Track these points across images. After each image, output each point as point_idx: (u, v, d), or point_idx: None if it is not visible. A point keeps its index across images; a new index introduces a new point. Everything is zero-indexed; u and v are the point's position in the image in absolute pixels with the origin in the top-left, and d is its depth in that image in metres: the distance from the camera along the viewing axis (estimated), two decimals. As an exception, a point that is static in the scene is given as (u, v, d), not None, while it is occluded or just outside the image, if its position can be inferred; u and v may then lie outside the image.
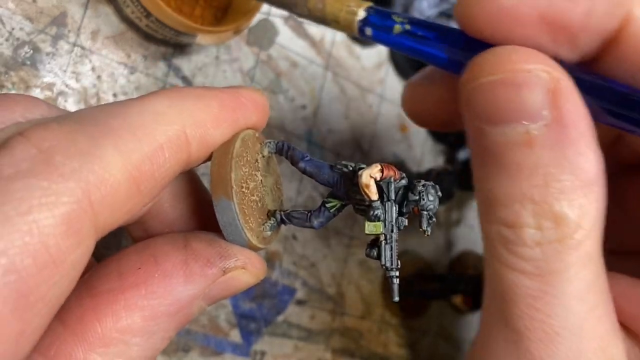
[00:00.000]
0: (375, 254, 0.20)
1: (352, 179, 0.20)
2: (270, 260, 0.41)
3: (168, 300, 0.19)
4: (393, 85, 0.49)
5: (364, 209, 0.20)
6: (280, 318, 0.41)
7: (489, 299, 0.23)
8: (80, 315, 0.18)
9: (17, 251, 0.14)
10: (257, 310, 0.39)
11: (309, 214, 0.22)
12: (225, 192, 0.19)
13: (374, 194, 0.19)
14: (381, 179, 0.19)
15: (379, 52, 0.48)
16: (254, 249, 0.21)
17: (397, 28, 0.24)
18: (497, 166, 0.22)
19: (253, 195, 0.21)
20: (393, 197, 0.20)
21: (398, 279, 0.20)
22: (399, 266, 0.20)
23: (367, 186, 0.19)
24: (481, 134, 0.22)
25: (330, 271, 0.44)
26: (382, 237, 0.20)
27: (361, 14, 0.25)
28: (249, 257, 0.21)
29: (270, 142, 0.23)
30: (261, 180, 0.22)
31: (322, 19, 0.26)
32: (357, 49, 0.46)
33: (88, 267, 0.20)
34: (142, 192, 0.17)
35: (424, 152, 0.52)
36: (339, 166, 0.21)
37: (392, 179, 0.20)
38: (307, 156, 0.22)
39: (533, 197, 0.20)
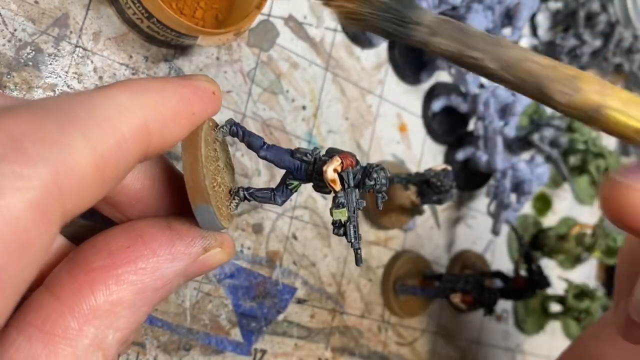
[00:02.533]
0: (342, 232, 0.23)
1: (313, 166, 0.23)
2: (271, 259, 0.41)
3: (155, 276, 0.20)
4: (392, 86, 0.49)
5: (323, 188, 0.23)
6: (280, 317, 0.41)
7: None
8: (76, 289, 0.19)
9: None
10: (257, 309, 0.40)
11: (273, 194, 0.24)
12: (202, 199, 0.21)
13: (338, 186, 0.22)
14: (342, 169, 0.22)
15: (379, 53, 0.48)
16: (225, 229, 0.24)
17: None
18: None
19: (220, 187, 0.23)
20: (352, 184, 0.22)
21: (361, 250, 0.23)
22: (360, 239, 0.23)
23: (333, 181, 0.22)
24: None
25: (330, 270, 0.44)
26: (347, 220, 0.22)
27: None
28: (223, 237, 0.24)
29: (224, 128, 0.24)
30: (222, 167, 0.24)
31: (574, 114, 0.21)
32: (357, 50, 0.46)
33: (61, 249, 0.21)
34: (106, 181, 0.18)
35: (423, 152, 0.52)
36: (298, 155, 0.23)
37: (350, 168, 0.22)
38: (265, 144, 0.24)
39: None
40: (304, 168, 0.23)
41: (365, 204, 0.23)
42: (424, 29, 0.22)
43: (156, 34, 0.33)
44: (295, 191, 0.24)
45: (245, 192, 0.24)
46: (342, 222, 0.22)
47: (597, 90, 0.20)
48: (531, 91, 0.21)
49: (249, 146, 0.24)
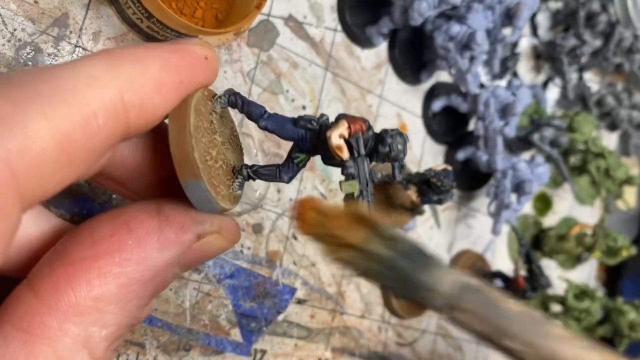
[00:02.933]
0: None
1: (319, 134, 0.20)
2: (271, 260, 0.41)
3: (142, 267, 0.18)
4: (392, 86, 0.49)
5: (331, 159, 0.20)
6: (280, 317, 0.41)
7: None
8: (54, 284, 0.17)
9: None
10: (257, 309, 0.39)
11: (278, 170, 0.21)
12: (192, 173, 0.19)
13: (345, 154, 0.19)
14: (349, 135, 0.19)
15: (379, 53, 0.48)
16: (226, 211, 0.21)
17: None
18: None
19: (217, 162, 0.20)
20: (363, 152, 0.19)
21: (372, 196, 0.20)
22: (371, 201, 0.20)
23: (339, 147, 0.19)
24: None
25: (330, 271, 0.44)
26: (358, 193, 0.20)
27: None
28: (223, 222, 0.21)
29: (221, 98, 0.21)
30: (220, 141, 0.21)
31: None
32: (357, 50, 0.46)
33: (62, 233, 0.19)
34: (74, 162, 0.16)
35: (423, 152, 0.52)
36: (302, 122, 0.20)
37: (360, 134, 0.20)
38: (265, 112, 0.21)
39: None
40: (309, 137, 0.20)
41: (380, 176, 0.20)
42: (441, 299, 0.17)
43: (156, 34, 0.33)
44: (303, 166, 0.21)
45: (249, 170, 0.21)
46: (354, 196, 0.20)
47: None
48: None
49: (249, 116, 0.21)
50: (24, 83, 0.16)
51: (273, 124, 0.21)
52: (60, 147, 0.15)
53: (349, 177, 0.19)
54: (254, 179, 0.22)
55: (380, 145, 0.20)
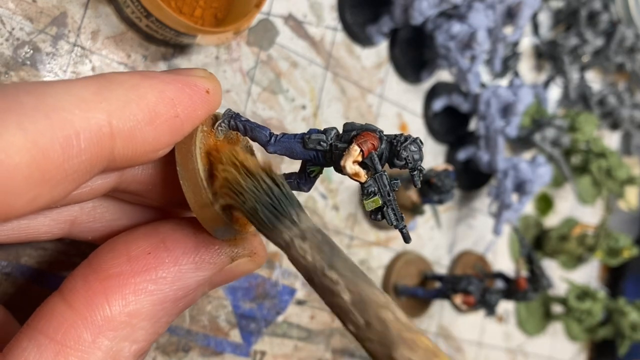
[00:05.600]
0: (380, 218, 0.20)
1: (331, 153, 0.20)
2: (271, 260, 0.41)
3: (176, 285, 0.18)
4: (393, 85, 0.49)
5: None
6: (280, 318, 0.41)
7: None
8: (89, 297, 0.17)
9: None
10: (257, 310, 0.39)
11: (297, 182, 0.21)
12: (215, 223, 0.19)
13: (363, 177, 0.19)
14: (364, 158, 0.19)
15: (379, 52, 0.48)
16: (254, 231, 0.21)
17: None
18: None
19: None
20: (380, 169, 0.19)
21: (406, 228, 0.20)
22: (403, 217, 0.20)
23: (356, 174, 0.19)
24: None
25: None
26: (383, 206, 0.20)
27: None
28: (255, 246, 0.21)
29: (222, 125, 0.21)
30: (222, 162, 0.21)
31: None
32: (357, 49, 0.46)
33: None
34: (48, 182, 0.15)
35: (424, 152, 0.52)
36: (311, 145, 0.20)
37: (373, 152, 0.19)
38: (271, 138, 0.21)
39: None
40: (321, 155, 0.20)
41: (400, 184, 0.20)
42: (296, 230, 0.19)
43: (155, 33, 0.33)
44: (319, 176, 0.22)
45: None
46: (379, 210, 0.20)
47: None
48: (376, 346, 0.17)
49: (254, 140, 0.21)
50: (8, 94, 0.15)
51: (282, 149, 0.21)
52: (34, 163, 0.15)
53: (369, 195, 0.20)
54: None
55: (396, 159, 0.20)
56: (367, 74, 0.47)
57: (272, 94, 0.41)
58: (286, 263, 0.41)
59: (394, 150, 0.20)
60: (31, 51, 0.31)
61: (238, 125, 0.21)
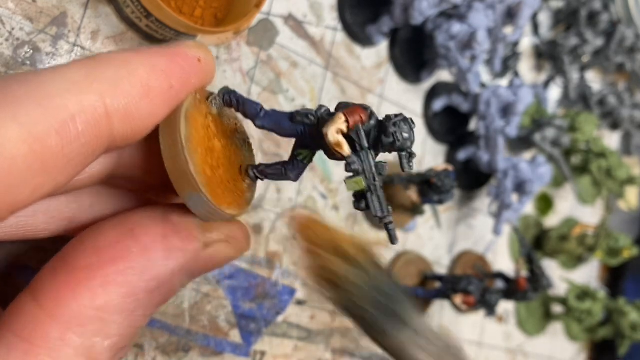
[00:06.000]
0: (364, 206, 0.18)
1: (318, 128, 0.18)
2: (271, 260, 0.41)
3: (147, 276, 0.17)
4: (393, 85, 0.49)
5: (333, 154, 0.18)
6: (280, 318, 0.41)
7: None
8: (56, 293, 0.16)
9: None
10: (257, 310, 0.39)
11: (284, 168, 0.20)
12: (190, 187, 0.18)
13: (346, 150, 0.17)
14: (349, 128, 0.18)
15: (379, 52, 0.48)
16: (236, 217, 0.20)
17: None
18: None
19: (219, 169, 0.19)
20: (366, 144, 0.18)
21: (393, 223, 0.18)
22: (390, 211, 0.18)
23: (338, 144, 0.17)
24: None
25: (330, 271, 0.44)
26: (366, 189, 0.18)
27: None
28: (232, 230, 0.20)
29: (215, 100, 0.20)
30: (222, 144, 0.20)
31: None
32: (357, 49, 0.46)
33: None
34: (49, 169, 0.15)
35: (424, 152, 0.52)
36: (299, 117, 0.19)
37: (360, 125, 0.18)
38: (261, 111, 0.20)
39: None
40: (308, 132, 0.19)
41: (387, 169, 0.18)
42: (408, 332, 0.17)
43: (155, 33, 0.33)
44: (309, 162, 0.20)
45: (255, 171, 0.20)
46: (362, 192, 0.18)
47: None
48: None
49: (244, 115, 0.20)
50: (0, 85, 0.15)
51: (270, 122, 0.20)
52: (32, 153, 0.15)
53: (352, 174, 0.18)
54: (261, 179, 0.21)
55: (383, 136, 0.18)
56: (367, 74, 0.47)
57: (272, 94, 0.41)
58: (286, 263, 0.41)
59: (383, 126, 0.18)
60: (31, 51, 0.31)
61: (231, 99, 0.20)
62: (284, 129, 0.19)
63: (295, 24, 0.42)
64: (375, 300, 0.17)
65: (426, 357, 0.16)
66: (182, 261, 0.18)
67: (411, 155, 0.18)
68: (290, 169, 0.20)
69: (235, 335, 0.38)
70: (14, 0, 0.30)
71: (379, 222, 0.18)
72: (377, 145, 0.18)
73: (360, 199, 0.18)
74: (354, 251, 0.17)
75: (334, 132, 0.17)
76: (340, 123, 0.17)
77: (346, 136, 0.18)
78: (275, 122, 0.20)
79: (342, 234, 0.18)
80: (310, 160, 0.20)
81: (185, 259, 0.18)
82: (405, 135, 0.18)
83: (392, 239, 0.18)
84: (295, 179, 0.20)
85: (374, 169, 0.18)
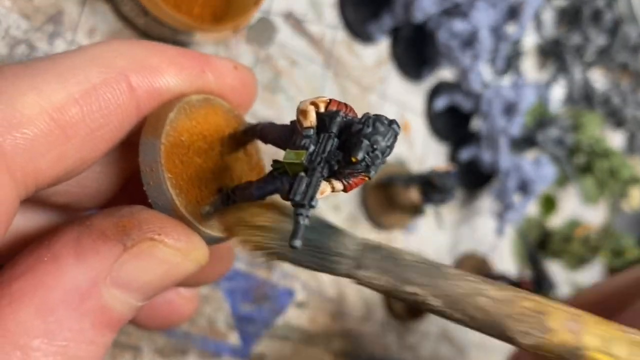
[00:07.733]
0: (287, 186, 0.15)
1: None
2: (270, 262, 0.40)
3: (61, 287, 0.14)
4: (394, 83, 0.48)
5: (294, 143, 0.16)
6: (279, 320, 0.40)
7: None
8: None
9: None
10: (256, 312, 0.39)
11: (250, 191, 0.18)
12: (154, 131, 0.16)
13: (308, 121, 0.16)
14: (326, 110, 0.16)
15: (380, 50, 0.47)
16: (189, 223, 0.17)
17: None
18: None
19: (199, 158, 0.18)
20: (334, 131, 0.16)
21: (307, 220, 0.15)
22: (313, 206, 0.15)
23: (303, 112, 0.16)
24: None
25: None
26: (302, 169, 0.15)
27: None
28: (164, 226, 0.16)
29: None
30: (221, 153, 0.19)
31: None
32: (358, 47, 0.46)
33: None
34: (71, 137, 0.15)
35: (425, 152, 0.52)
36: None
37: (341, 113, 0.16)
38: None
39: None
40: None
41: (336, 167, 0.16)
42: (348, 261, 0.17)
43: (152, 31, 0.33)
44: (280, 172, 0.18)
45: (229, 192, 0.19)
46: (293, 172, 0.15)
47: (569, 328, 0.16)
48: (489, 331, 0.17)
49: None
50: (22, 64, 0.15)
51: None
52: (53, 121, 0.15)
53: (300, 147, 0.15)
54: (226, 204, 0.19)
55: (355, 123, 0.16)
56: (368, 73, 0.46)
57: (271, 93, 0.40)
58: (285, 265, 0.41)
59: (355, 125, 0.16)
60: (28, 50, 0.31)
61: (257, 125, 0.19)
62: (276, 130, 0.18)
63: (295, 22, 0.41)
64: (305, 251, 0.17)
65: (374, 274, 0.17)
66: (99, 267, 0.15)
67: (378, 156, 0.16)
68: (260, 187, 0.18)
69: (234, 338, 0.38)
70: (9, -2, 0.30)
71: (292, 204, 0.15)
72: (345, 145, 0.16)
73: (284, 175, 0.16)
74: (263, 217, 0.17)
75: (308, 102, 0.16)
76: (321, 99, 0.16)
77: (319, 117, 0.16)
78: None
79: (257, 210, 0.18)
80: (285, 172, 0.17)
81: (102, 264, 0.15)
82: (381, 129, 0.15)
83: (294, 235, 0.15)
84: (257, 198, 0.18)
85: (325, 154, 0.15)
